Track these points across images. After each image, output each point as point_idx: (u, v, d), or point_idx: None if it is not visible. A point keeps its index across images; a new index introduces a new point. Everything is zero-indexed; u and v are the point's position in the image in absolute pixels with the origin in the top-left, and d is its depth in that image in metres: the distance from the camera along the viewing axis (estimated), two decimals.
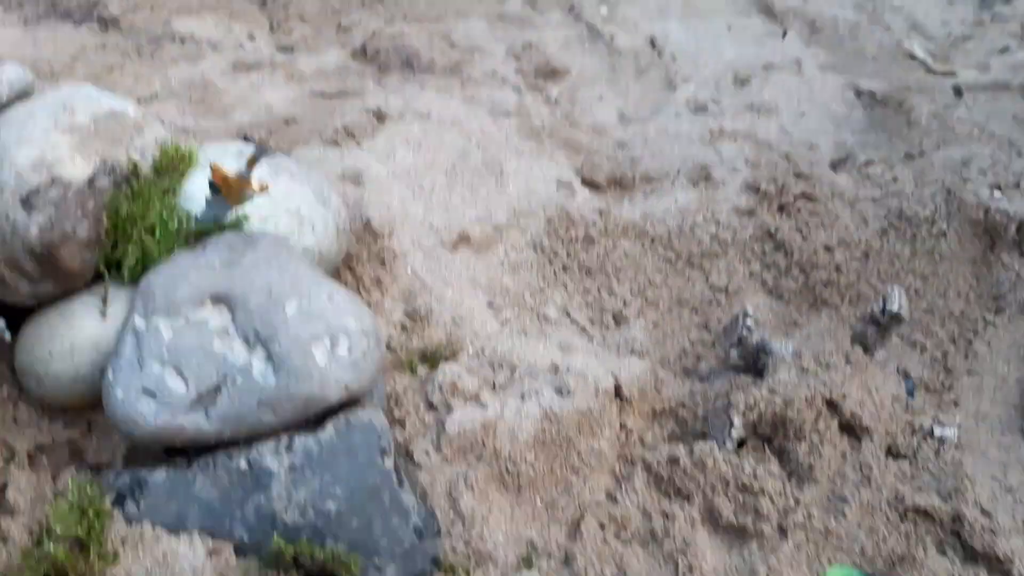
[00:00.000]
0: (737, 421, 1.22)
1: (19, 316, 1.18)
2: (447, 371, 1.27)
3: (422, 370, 1.33)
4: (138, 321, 1.03)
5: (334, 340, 1.01)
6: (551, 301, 1.53)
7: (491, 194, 1.63)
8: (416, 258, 1.45)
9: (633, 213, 1.63)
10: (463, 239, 1.54)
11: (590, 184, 1.73)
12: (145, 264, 1.09)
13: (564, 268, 1.58)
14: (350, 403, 1.09)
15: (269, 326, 1.00)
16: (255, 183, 1.10)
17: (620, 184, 1.74)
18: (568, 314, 1.50)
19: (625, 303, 1.53)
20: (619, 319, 1.51)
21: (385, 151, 1.66)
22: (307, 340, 1.00)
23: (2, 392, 1.16)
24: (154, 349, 1.01)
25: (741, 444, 1.25)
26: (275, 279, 1.02)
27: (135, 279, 1.10)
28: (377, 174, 1.58)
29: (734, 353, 1.33)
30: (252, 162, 1.10)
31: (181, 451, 1.13)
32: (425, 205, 1.55)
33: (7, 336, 1.06)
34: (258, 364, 1.01)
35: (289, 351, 0.99)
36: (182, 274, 1.04)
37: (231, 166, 1.09)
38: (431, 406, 1.26)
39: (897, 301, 1.25)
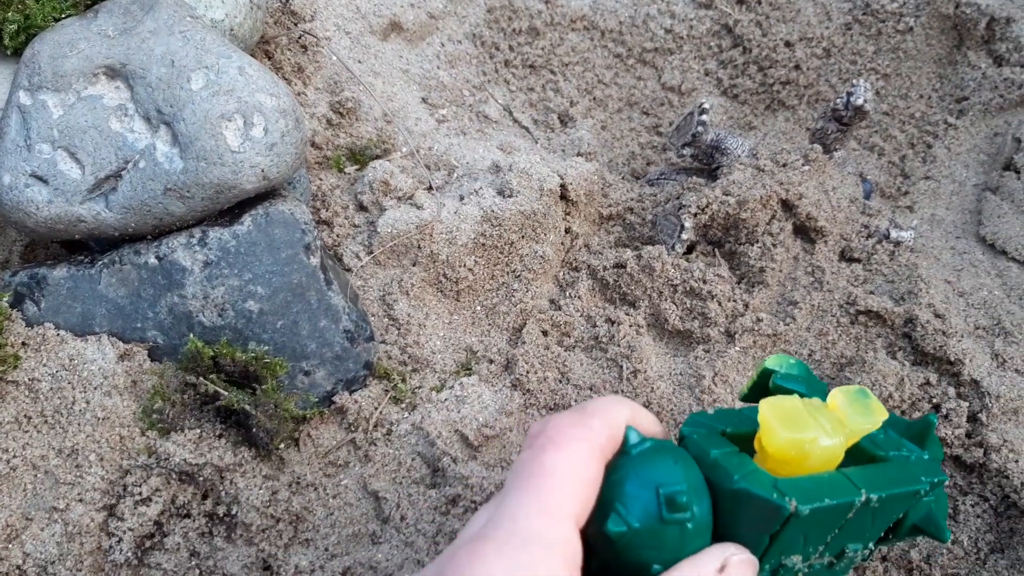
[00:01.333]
0: (688, 223, 1.15)
1: None
2: (378, 168, 1.16)
3: (350, 169, 1.23)
4: (23, 97, 0.89)
5: (248, 119, 0.88)
6: (492, 99, 1.41)
7: None
8: (342, 45, 1.30)
9: (582, 3, 1.49)
10: (394, 26, 1.39)
11: None
12: (28, 32, 0.93)
13: (506, 63, 1.45)
14: (269, 195, 0.98)
15: (173, 103, 0.87)
16: None
17: None
18: (511, 113, 1.39)
19: (572, 102, 1.42)
20: (565, 119, 1.41)
21: None
22: (217, 119, 0.87)
23: None
24: (42, 129, 0.88)
25: (691, 249, 1.19)
26: (178, 49, 0.88)
27: (17, 50, 0.95)
28: None
29: (686, 152, 1.25)
30: None
31: (83, 248, 1.02)
32: None
33: None
34: (162, 146, 0.88)
35: (197, 131, 0.87)
36: (71, 43, 0.89)
37: None
38: (361, 207, 1.16)
39: (862, 94, 1.17)
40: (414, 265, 1.12)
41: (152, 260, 0.93)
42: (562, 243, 1.20)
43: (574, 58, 1.45)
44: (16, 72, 0.91)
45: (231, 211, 0.96)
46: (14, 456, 0.87)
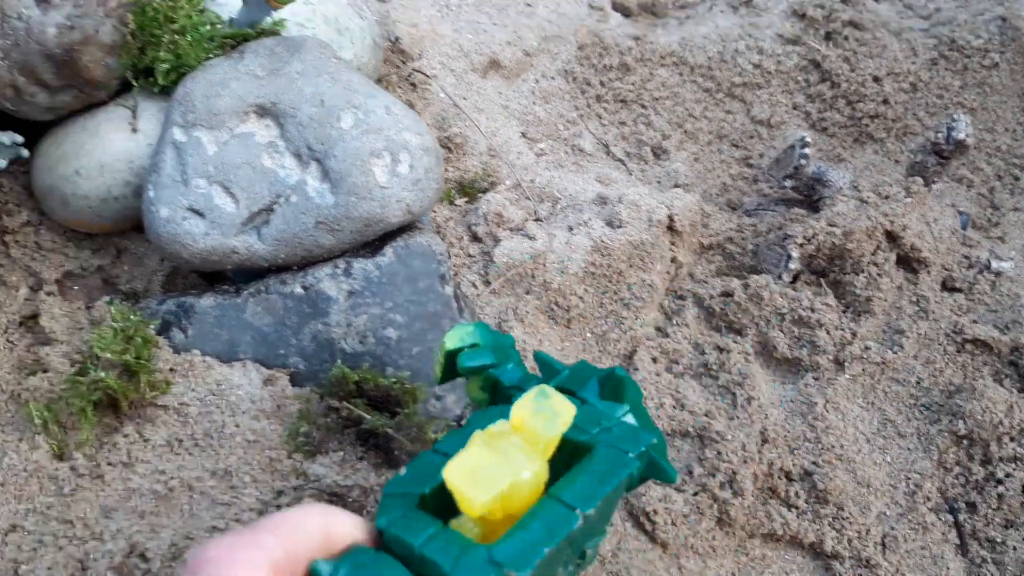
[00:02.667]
0: (795, 253, 1.18)
1: (33, 133, 1.08)
2: (491, 200, 1.20)
3: (460, 201, 1.27)
4: (177, 133, 0.94)
5: (394, 156, 0.93)
6: (586, 132, 1.45)
7: (520, 16, 1.52)
8: (447, 82, 1.35)
9: (670, 39, 1.53)
10: (493, 64, 1.44)
11: (621, 9, 1.63)
12: (179, 72, 0.98)
13: (598, 98, 1.49)
14: (408, 227, 1.02)
15: (324, 141, 0.92)
16: None
17: (652, 10, 1.64)
18: (607, 146, 1.43)
19: (664, 136, 1.46)
20: (658, 152, 1.45)
21: None
22: (367, 156, 0.92)
23: (21, 216, 1.07)
24: (198, 165, 0.93)
25: (795, 278, 1.22)
26: (327, 89, 0.93)
27: (166, 89, 1.00)
28: None
29: (787, 184, 1.28)
30: None
31: (222, 278, 1.06)
32: (453, 25, 1.44)
33: (24, 154, 0.97)
34: (313, 182, 0.93)
35: (348, 168, 0.91)
36: (222, 82, 0.94)
37: None
38: (475, 237, 1.20)
39: (963, 129, 1.20)
40: (527, 293, 1.15)
41: (298, 290, 0.97)
42: (668, 272, 1.23)
43: (664, 92, 1.49)
44: (168, 110, 0.96)
45: (372, 243, 1.00)
46: (171, 478, 0.91)
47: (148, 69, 0.98)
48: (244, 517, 0.90)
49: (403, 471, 0.59)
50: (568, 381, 0.69)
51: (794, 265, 1.18)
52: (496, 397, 0.74)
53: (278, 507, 0.91)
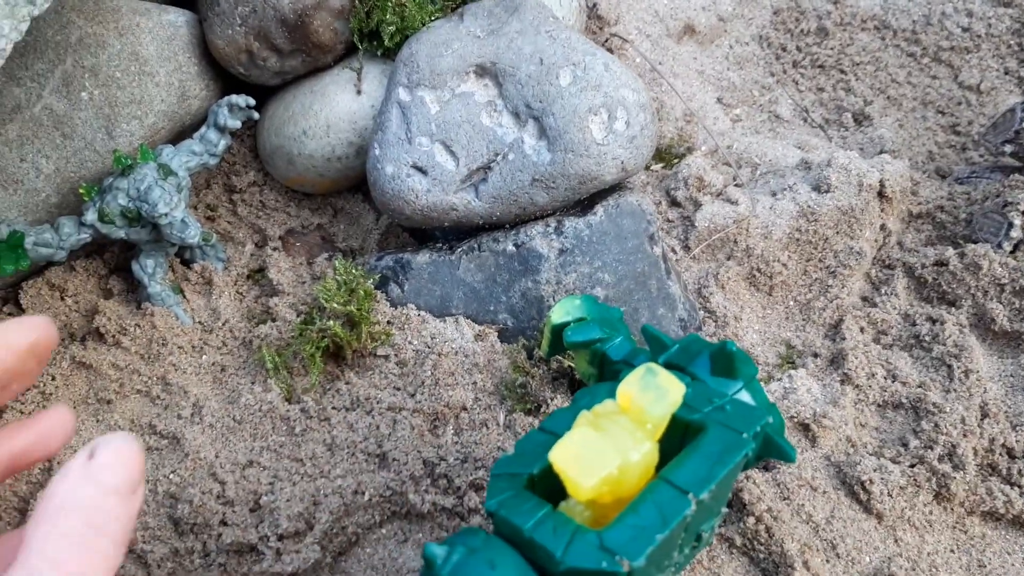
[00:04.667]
0: (1018, 221, 1.12)
1: (259, 98, 1.15)
2: (692, 165, 1.19)
3: (656, 167, 1.26)
4: (402, 93, 0.97)
5: (611, 113, 0.93)
6: (782, 99, 1.41)
7: None
8: (643, 47, 1.34)
9: (871, 2, 1.47)
10: (688, 29, 1.42)
11: None
12: (404, 33, 1.02)
13: (794, 64, 1.45)
14: (617, 186, 1.02)
15: (542, 98, 0.93)
16: None
17: None
18: (807, 112, 1.38)
19: (866, 102, 1.40)
20: (859, 119, 1.39)
21: None
22: (584, 113, 0.92)
23: (248, 176, 1.14)
24: (422, 124, 0.96)
25: (1015, 248, 1.15)
26: (545, 47, 0.94)
27: (389, 51, 1.04)
28: None
29: (1007, 150, 1.21)
30: None
31: (431, 237, 1.10)
32: None
33: (255, 116, 1.02)
34: (529, 140, 0.94)
35: (565, 125, 0.92)
36: (445, 43, 0.97)
37: None
38: (675, 202, 1.19)
39: None
40: (729, 259, 1.13)
41: (510, 247, 0.99)
42: (876, 240, 1.18)
43: (865, 58, 1.43)
44: (393, 70, 1.00)
45: (582, 202, 1.01)
46: (392, 422, 0.95)
47: (373, 32, 1.03)
48: None
49: (511, 451, 0.59)
50: (677, 356, 0.67)
51: (1016, 233, 1.12)
52: (604, 372, 0.73)
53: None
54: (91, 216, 0.96)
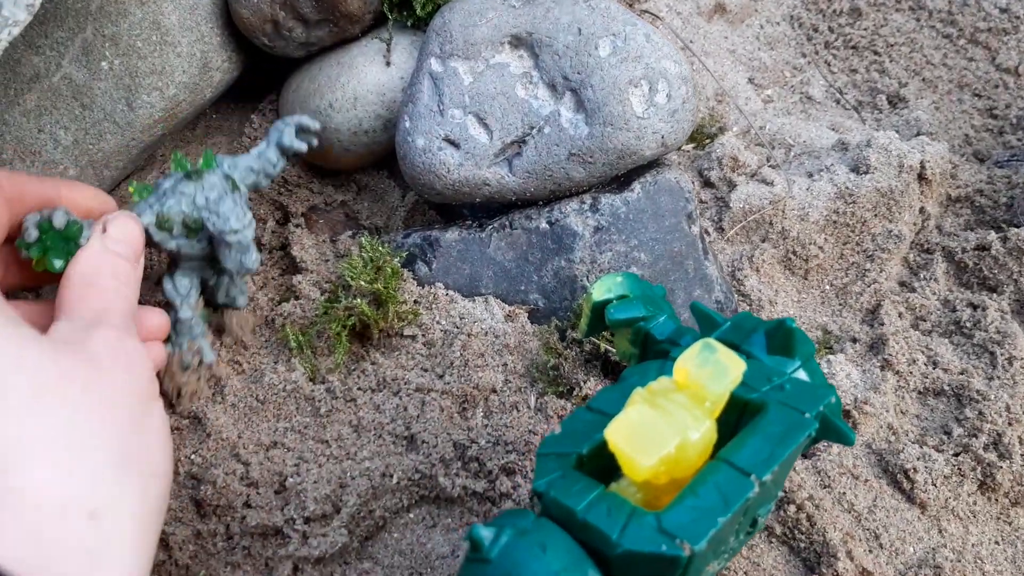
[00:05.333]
0: None
1: (282, 70, 1.12)
2: (726, 144, 1.15)
3: (688, 147, 1.22)
4: (434, 64, 0.94)
5: (652, 86, 0.90)
6: (814, 80, 1.38)
7: None
8: (675, 25, 1.31)
9: None
10: (718, 8, 1.39)
11: None
12: (435, 3, 0.98)
13: (826, 44, 1.41)
14: (655, 163, 0.99)
15: (580, 70, 0.90)
16: None
17: None
18: (840, 93, 1.35)
19: (901, 84, 1.37)
20: (894, 101, 1.36)
21: None
22: (624, 85, 0.89)
23: None
24: (454, 95, 0.93)
25: None
26: (584, 17, 0.91)
27: (419, 21, 1.01)
28: None
29: None
30: None
31: (458, 215, 1.07)
32: None
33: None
34: (566, 113, 0.91)
35: (604, 98, 0.89)
36: (480, 12, 0.93)
37: None
38: (708, 183, 1.16)
39: None
40: (763, 241, 1.10)
41: (543, 225, 0.96)
42: (914, 223, 1.15)
43: (899, 39, 1.40)
44: (425, 40, 0.96)
45: (618, 178, 0.98)
46: (421, 404, 0.92)
47: (404, 1, 0.99)
48: None
49: (557, 429, 0.56)
50: (730, 334, 0.64)
51: None
52: (647, 352, 0.70)
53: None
54: (148, 219, 0.83)
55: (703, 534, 0.46)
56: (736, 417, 0.56)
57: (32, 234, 0.73)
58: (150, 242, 0.83)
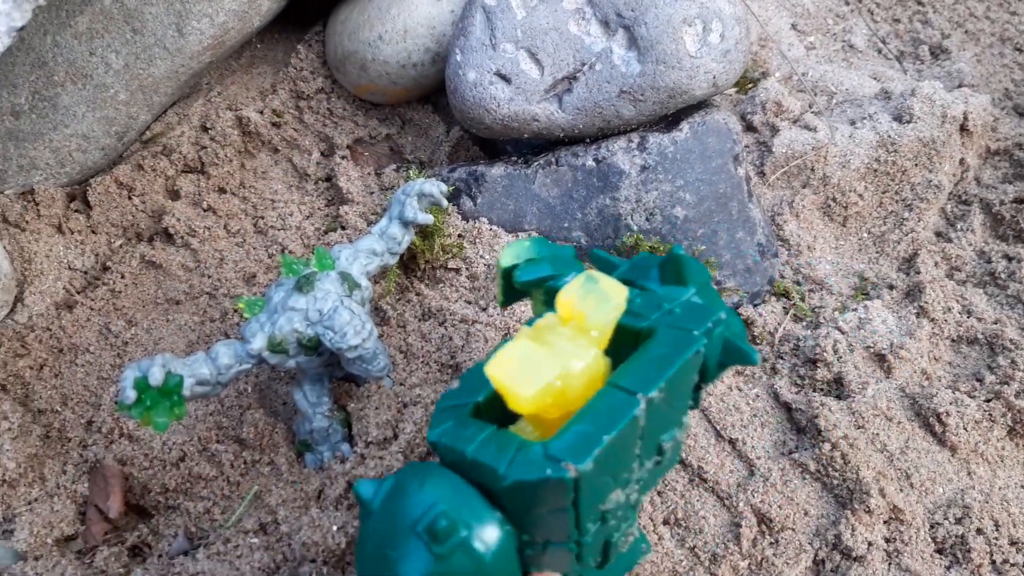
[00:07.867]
0: None
1: (328, 2, 1.12)
2: (770, 89, 1.15)
3: (730, 91, 1.22)
4: None
5: (706, 25, 0.90)
6: (856, 28, 1.37)
7: None
8: None
9: None
10: None
11: None
12: None
13: None
14: (703, 104, 0.99)
15: (634, 7, 0.90)
16: None
17: None
18: (883, 42, 1.34)
19: (943, 35, 1.36)
20: (936, 52, 1.35)
21: None
22: (678, 23, 0.89)
23: (316, 82, 1.11)
24: (507, 29, 0.93)
25: None
26: None
27: None
28: None
29: None
30: None
31: (501, 151, 1.08)
32: None
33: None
34: (619, 50, 0.91)
35: (658, 35, 0.89)
36: None
37: None
38: (750, 127, 1.16)
39: None
40: (804, 187, 1.11)
41: (590, 162, 0.96)
42: (954, 174, 1.15)
43: None
44: None
45: (666, 117, 0.98)
46: (464, 333, 0.93)
47: None
48: None
49: (455, 384, 0.56)
50: (628, 273, 0.64)
51: None
52: None
53: None
54: (259, 344, 0.75)
55: (588, 453, 0.45)
56: (632, 349, 0.55)
57: (130, 395, 0.67)
58: (265, 364, 0.77)
